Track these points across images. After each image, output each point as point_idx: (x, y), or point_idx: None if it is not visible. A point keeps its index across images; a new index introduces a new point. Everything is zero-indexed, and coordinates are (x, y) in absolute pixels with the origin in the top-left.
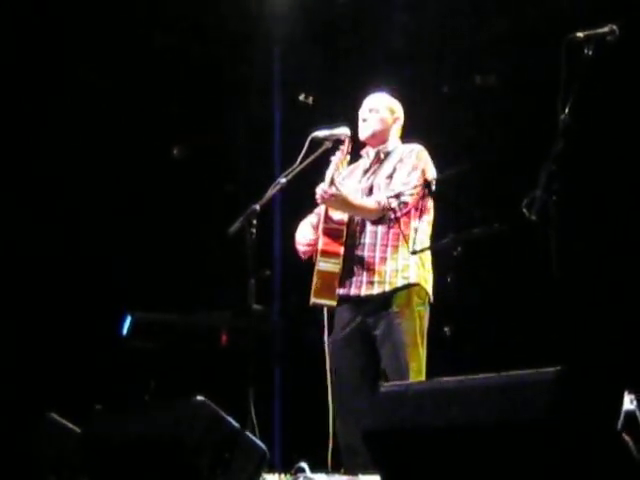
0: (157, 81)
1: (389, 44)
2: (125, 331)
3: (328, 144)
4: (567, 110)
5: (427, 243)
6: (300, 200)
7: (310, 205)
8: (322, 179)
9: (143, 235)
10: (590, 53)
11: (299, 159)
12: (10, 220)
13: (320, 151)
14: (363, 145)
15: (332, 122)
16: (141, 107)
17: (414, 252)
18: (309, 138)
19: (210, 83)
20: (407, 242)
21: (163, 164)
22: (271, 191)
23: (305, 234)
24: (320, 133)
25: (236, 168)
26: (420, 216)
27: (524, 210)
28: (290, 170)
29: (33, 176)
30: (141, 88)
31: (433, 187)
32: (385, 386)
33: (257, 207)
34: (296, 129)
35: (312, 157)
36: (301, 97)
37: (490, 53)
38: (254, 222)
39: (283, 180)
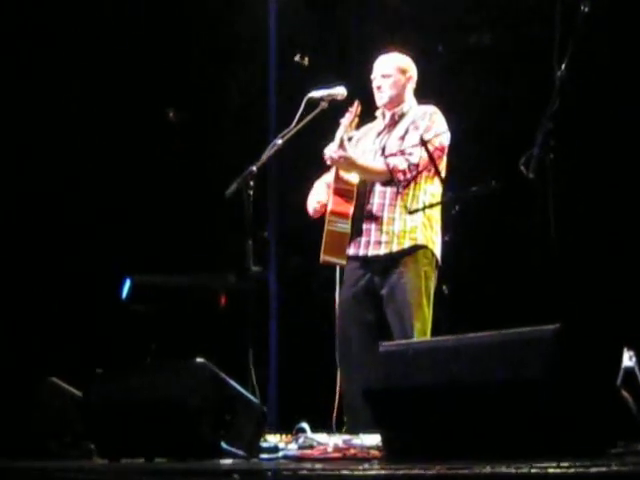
0: (151, 44)
1: (384, 4)
2: (125, 294)
3: (324, 104)
4: (563, 67)
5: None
6: (297, 161)
7: (308, 166)
8: (319, 140)
9: (141, 199)
10: (586, 9)
11: (295, 120)
12: (9, 186)
13: (316, 112)
14: (375, 107)
15: (327, 82)
16: (137, 70)
17: (411, 211)
18: (305, 99)
19: (205, 45)
20: (405, 200)
21: (159, 127)
22: (268, 152)
23: (317, 195)
24: (316, 93)
25: (232, 129)
26: (430, 178)
27: (521, 168)
28: (287, 131)
29: (31, 139)
30: (136, 51)
31: (430, 147)
32: (385, 345)
33: (254, 169)
34: (291, 90)
35: (308, 118)
36: (296, 58)
37: (485, 11)
38: (251, 184)
39: (280, 141)
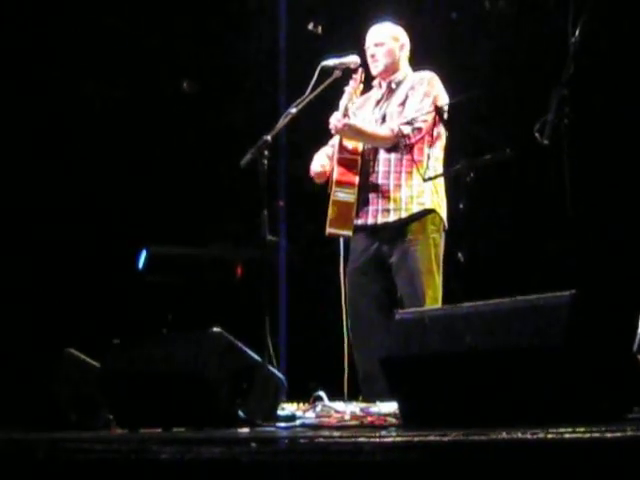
0: (164, 14)
1: None
2: (141, 265)
3: (338, 73)
4: (577, 33)
5: (440, 169)
6: (310, 129)
7: (319, 135)
8: (333, 109)
9: (157, 170)
10: None
11: (309, 89)
12: (29, 159)
13: (330, 80)
14: (373, 76)
15: (340, 51)
16: (150, 41)
17: (427, 179)
18: (319, 67)
19: (217, 15)
20: (419, 168)
21: (174, 98)
22: (282, 121)
23: (319, 160)
24: (329, 62)
25: (246, 99)
26: (433, 142)
27: (536, 134)
28: (300, 100)
29: (52, 112)
30: (148, 23)
31: (445, 113)
32: (401, 313)
33: (268, 138)
34: (303, 59)
35: (322, 86)
36: (310, 26)
37: None
38: (266, 153)
39: (293, 110)
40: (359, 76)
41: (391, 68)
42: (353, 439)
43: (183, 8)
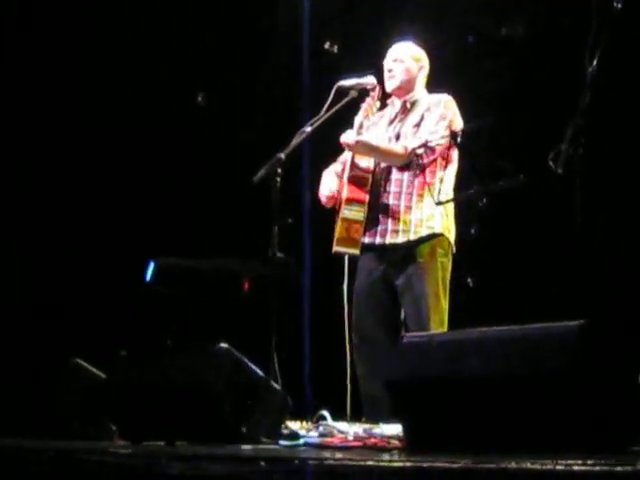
0: (183, 28)
1: None
2: (149, 277)
3: (354, 93)
4: (595, 63)
5: (451, 193)
6: (325, 149)
7: (336, 154)
8: (348, 128)
9: (170, 182)
10: (620, 6)
11: (325, 108)
12: (36, 166)
13: (346, 100)
14: (389, 95)
15: (358, 72)
16: (168, 54)
17: (439, 203)
18: (335, 87)
19: (236, 30)
20: (432, 192)
21: (190, 111)
22: (296, 140)
23: (328, 184)
24: (346, 82)
25: (264, 115)
26: (446, 166)
27: (550, 163)
28: (316, 119)
29: (61, 116)
30: (168, 34)
31: (459, 138)
32: (408, 336)
33: (282, 155)
34: (322, 78)
35: (338, 106)
36: (326, 45)
37: (517, 3)
38: (279, 170)
39: (308, 129)
40: (376, 94)
41: (407, 87)
42: (362, 462)
43: (205, 22)
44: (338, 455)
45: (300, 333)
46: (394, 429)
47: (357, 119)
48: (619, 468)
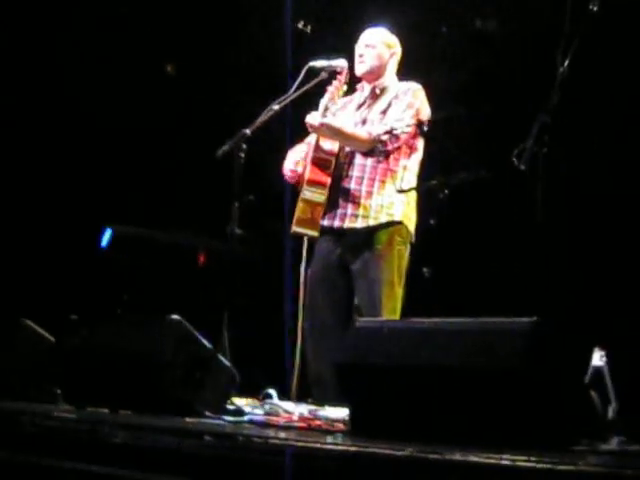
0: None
1: None
2: (104, 243)
3: (324, 75)
4: (566, 63)
5: (414, 182)
6: (294, 129)
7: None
8: (316, 108)
9: (133, 149)
10: (595, 9)
11: (294, 87)
12: None
13: (315, 81)
14: (359, 79)
15: (331, 53)
16: (142, 26)
17: (401, 190)
18: (306, 67)
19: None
20: (394, 179)
21: (158, 81)
22: (263, 117)
23: (293, 159)
24: (317, 63)
25: (238, 90)
26: (410, 154)
27: (514, 159)
28: (283, 98)
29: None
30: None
31: (426, 128)
32: (361, 321)
33: (247, 131)
34: (294, 57)
35: (307, 86)
36: (300, 25)
37: None
38: (243, 146)
39: (276, 107)
40: (343, 77)
41: (377, 72)
42: (307, 444)
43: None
44: (282, 434)
45: (254, 310)
46: (340, 412)
47: (323, 101)
48: (561, 467)
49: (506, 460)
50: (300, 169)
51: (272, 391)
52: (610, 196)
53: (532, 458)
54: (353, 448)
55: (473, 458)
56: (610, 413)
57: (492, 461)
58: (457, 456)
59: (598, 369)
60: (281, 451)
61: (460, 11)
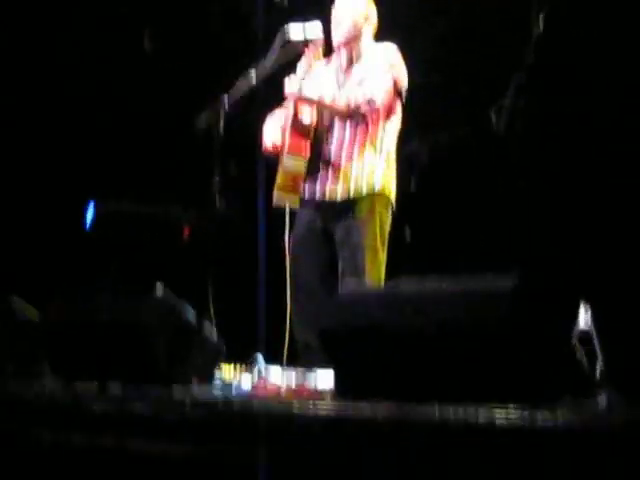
0: None
1: None
2: (88, 218)
3: (301, 46)
4: (541, 22)
5: (394, 144)
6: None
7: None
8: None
9: (114, 124)
10: None
11: (271, 58)
12: None
13: (292, 53)
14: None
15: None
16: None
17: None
18: (284, 38)
19: None
20: (374, 143)
21: (136, 53)
22: (240, 86)
23: (272, 132)
24: (294, 36)
25: (213, 60)
26: (389, 116)
27: (492, 117)
28: (261, 68)
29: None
30: None
31: (403, 95)
32: (344, 286)
33: (225, 99)
34: (270, 26)
35: (283, 59)
36: None
37: None
38: (222, 114)
39: (253, 75)
40: (319, 44)
41: (353, 36)
42: (288, 410)
43: None
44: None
45: (240, 281)
46: (328, 375)
47: (300, 68)
48: (541, 423)
49: (484, 418)
50: (279, 139)
51: (259, 355)
52: (589, 153)
53: (511, 413)
54: (333, 413)
55: (451, 416)
56: (597, 370)
57: (471, 419)
58: (438, 414)
59: (584, 325)
60: (265, 417)
61: None
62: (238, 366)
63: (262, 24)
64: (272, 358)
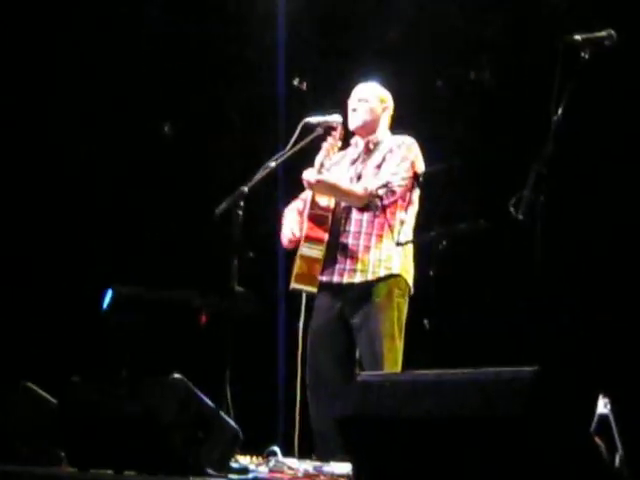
0: (157, 59)
1: (386, 34)
2: (106, 304)
3: (320, 130)
4: (560, 112)
5: (411, 235)
6: (290, 185)
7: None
8: (312, 165)
9: (132, 210)
10: (586, 57)
11: (290, 144)
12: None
13: (311, 137)
14: (352, 134)
15: (327, 110)
16: (138, 83)
17: (399, 244)
18: (301, 123)
19: (205, 60)
20: (392, 232)
21: (154, 140)
22: (260, 174)
23: (290, 226)
24: (313, 119)
25: (233, 148)
26: (406, 208)
27: (511, 209)
28: (280, 154)
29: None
30: (140, 65)
31: (421, 179)
32: (362, 374)
33: (245, 189)
34: (290, 114)
35: (303, 142)
36: (295, 82)
37: (486, 49)
38: (241, 204)
39: (272, 164)
40: (338, 133)
41: (370, 127)
42: None
43: (173, 55)
44: None
45: (254, 368)
46: (344, 467)
47: (318, 158)
48: None
49: None
50: (298, 234)
51: (276, 448)
52: (608, 243)
53: None
54: None
55: None
56: (617, 461)
57: None
58: None
59: (603, 416)
60: None
61: (453, 64)
62: (255, 458)
63: (283, 115)
64: (288, 451)
